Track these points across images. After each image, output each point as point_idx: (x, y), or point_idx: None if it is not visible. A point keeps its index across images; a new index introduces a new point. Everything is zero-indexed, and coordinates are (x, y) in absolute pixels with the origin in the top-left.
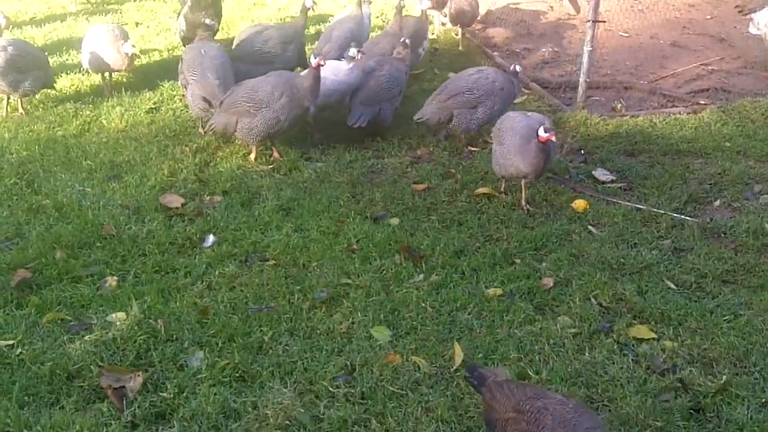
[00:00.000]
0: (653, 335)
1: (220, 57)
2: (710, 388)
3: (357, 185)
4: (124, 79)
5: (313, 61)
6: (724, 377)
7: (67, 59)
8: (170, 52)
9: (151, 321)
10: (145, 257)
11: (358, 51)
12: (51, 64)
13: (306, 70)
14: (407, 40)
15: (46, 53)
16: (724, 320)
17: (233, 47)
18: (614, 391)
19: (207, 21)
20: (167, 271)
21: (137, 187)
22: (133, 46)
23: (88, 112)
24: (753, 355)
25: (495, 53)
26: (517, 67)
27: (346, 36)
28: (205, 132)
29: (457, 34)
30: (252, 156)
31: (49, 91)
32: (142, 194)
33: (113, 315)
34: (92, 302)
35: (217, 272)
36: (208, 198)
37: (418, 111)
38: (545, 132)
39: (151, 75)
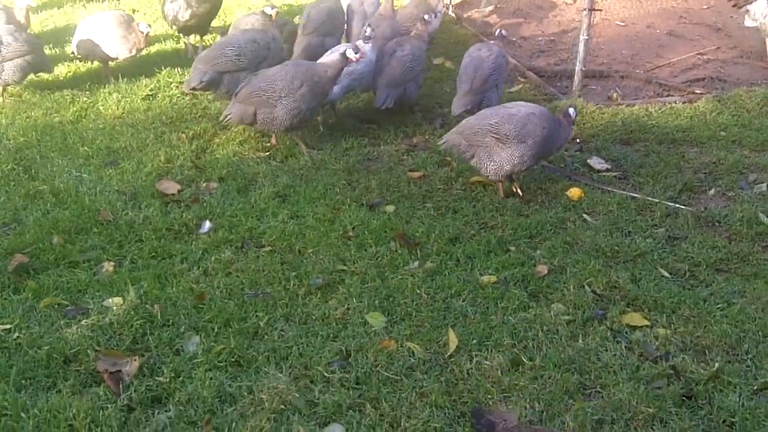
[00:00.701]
0: (646, 322)
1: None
2: (702, 375)
3: (353, 173)
4: (121, 66)
5: (354, 56)
6: (717, 364)
7: (64, 47)
8: (166, 39)
9: (147, 306)
10: (142, 243)
11: (372, 29)
12: (48, 52)
13: (334, 60)
14: (426, 16)
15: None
16: (718, 308)
17: (304, 22)
18: (607, 377)
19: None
20: (163, 256)
21: (134, 173)
22: (149, 25)
23: (84, 99)
24: (745, 342)
25: (491, 42)
26: (503, 32)
27: (378, 12)
28: (221, 122)
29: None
30: (302, 147)
31: (46, 76)
32: (138, 180)
33: (110, 300)
34: (89, 287)
35: (213, 258)
36: (204, 184)
37: (454, 108)
38: (575, 110)
39: (147, 62)
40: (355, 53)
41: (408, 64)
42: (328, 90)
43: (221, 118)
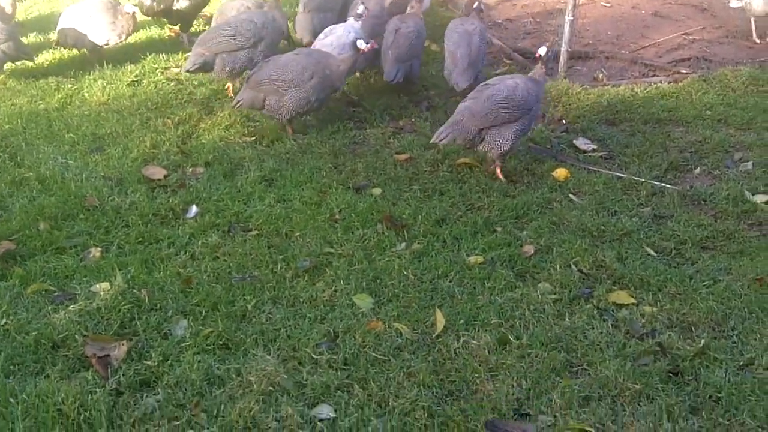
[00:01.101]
0: (633, 300)
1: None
2: (689, 351)
3: (339, 156)
4: (106, 52)
5: (365, 46)
6: (703, 341)
7: (49, 35)
8: (151, 25)
9: (134, 291)
10: (129, 228)
11: (365, 8)
12: (33, 40)
13: (347, 54)
14: None
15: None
16: (703, 285)
17: (306, 0)
18: (594, 355)
19: None
20: (150, 241)
21: (120, 159)
22: (134, 5)
23: (69, 86)
24: (731, 319)
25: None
26: (481, 5)
27: None
28: (232, 107)
29: None
30: (289, 130)
31: (31, 64)
32: (124, 166)
33: (97, 285)
34: (76, 273)
35: (200, 242)
36: (190, 169)
37: (459, 82)
38: (546, 48)
39: (132, 48)
40: (366, 43)
41: (414, 41)
42: (339, 85)
43: (233, 104)
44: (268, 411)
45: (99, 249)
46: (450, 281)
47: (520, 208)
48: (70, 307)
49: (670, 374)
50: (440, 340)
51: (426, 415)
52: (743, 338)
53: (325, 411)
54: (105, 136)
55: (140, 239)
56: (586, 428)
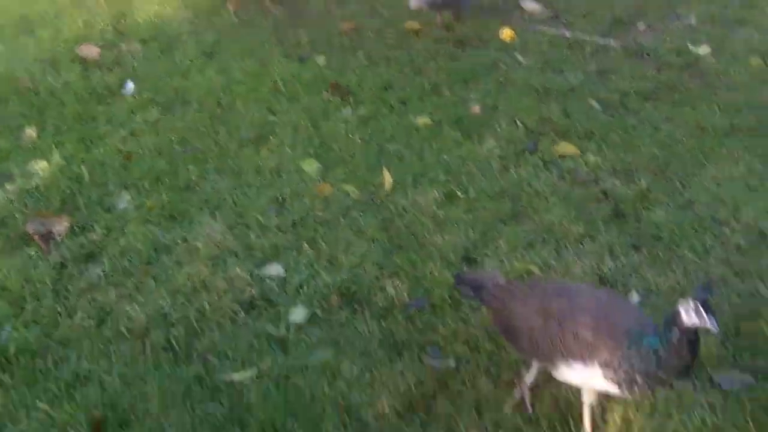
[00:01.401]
0: (577, 151)
1: None
2: (631, 195)
3: (281, 28)
4: None
5: None
6: (645, 183)
7: None
8: None
9: (74, 168)
10: (64, 107)
11: None
12: None
13: None
14: None
15: None
16: (646, 134)
17: None
18: (539, 203)
19: None
20: (87, 120)
21: (52, 41)
22: None
23: None
24: (672, 164)
25: None
26: None
27: None
28: None
29: None
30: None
31: None
32: (57, 47)
33: (34, 164)
34: (11, 153)
35: (139, 118)
36: (126, 47)
37: None
38: None
39: None
40: None
41: None
42: None
43: None
44: (217, 273)
45: (34, 129)
46: (397, 143)
47: (467, 71)
48: (8, 187)
49: (613, 216)
50: (389, 198)
51: (376, 267)
52: (684, 181)
53: (274, 269)
54: (35, 18)
55: (76, 118)
56: (531, 267)
